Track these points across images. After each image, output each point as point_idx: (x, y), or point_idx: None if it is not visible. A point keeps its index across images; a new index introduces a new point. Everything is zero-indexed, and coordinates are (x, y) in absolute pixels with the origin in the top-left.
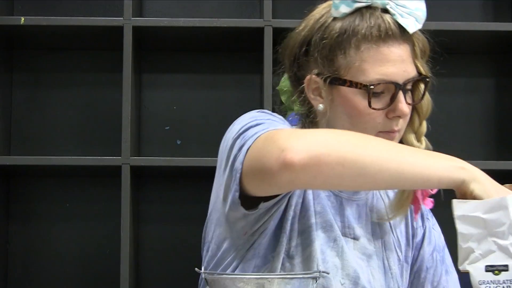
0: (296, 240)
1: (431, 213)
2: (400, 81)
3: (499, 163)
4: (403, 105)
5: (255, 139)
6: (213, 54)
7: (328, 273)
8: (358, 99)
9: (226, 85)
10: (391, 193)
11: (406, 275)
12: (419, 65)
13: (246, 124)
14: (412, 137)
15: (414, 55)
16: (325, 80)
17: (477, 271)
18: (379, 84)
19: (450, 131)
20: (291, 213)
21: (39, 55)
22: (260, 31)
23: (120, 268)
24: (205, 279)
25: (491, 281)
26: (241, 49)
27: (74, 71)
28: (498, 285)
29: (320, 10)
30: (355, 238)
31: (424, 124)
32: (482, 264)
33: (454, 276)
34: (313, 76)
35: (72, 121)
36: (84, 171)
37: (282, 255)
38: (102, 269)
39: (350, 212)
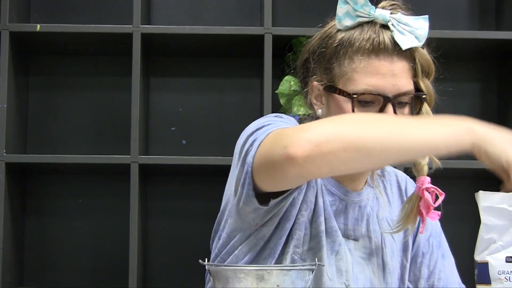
0: (308, 244)
1: None
2: (389, 94)
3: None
4: None
5: (266, 135)
6: (217, 60)
7: (323, 265)
8: (348, 107)
9: (229, 89)
10: (389, 191)
11: (406, 265)
12: (420, 82)
13: (260, 124)
14: None
15: (413, 72)
16: (324, 87)
17: (497, 262)
18: (363, 94)
19: None
20: (301, 218)
21: (53, 60)
22: (260, 38)
23: (129, 260)
24: (208, 270)
25: (511, 271)
26: (243, 55)
27: (86, 75)
28: None
29: (331, 23)
30: (356, 239)
31: None
32: (503, 255)
33: (451, 260)
34: (315, 82)
35: (84, 122)
36: (95, 169)
37: (289, 257)
38: (112, 261)
39: (353, 215)
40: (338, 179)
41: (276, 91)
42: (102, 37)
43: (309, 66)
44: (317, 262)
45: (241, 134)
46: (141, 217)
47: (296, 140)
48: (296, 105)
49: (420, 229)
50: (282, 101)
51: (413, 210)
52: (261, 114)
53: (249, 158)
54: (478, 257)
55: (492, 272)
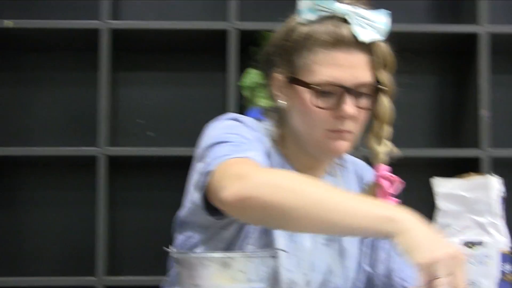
0: (262, 240)
1: None
2: (348, 85)
3: (440, 151)
4: (348, 106)
5: (217, 165)
6: (183, 54)
7: (285, 251)
8: (307, 98)
9: (194, 83)
10: (348, 179)
11: (364, 250)
12: (379, 74)
13: (216, 138)
14: (373, 142)
15: (373, 65)
16: (286, 79)
17: None
18: (323, 84)
19: (398, 123)
20: None
21: (22, 56)
22: (225, 33)
23: (96, 250)
24: (174, 257)
25: (466, 255)
26: (209, 49)
27: (54, 70)
28: (473, 258)
29: (294, 17)
30: None
31: (386, 128)
32: (458, 239)
33: None
34: (277, 74)
35: (53, 116)
36: (64, 161)
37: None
38: (80, 251)
39: None
40: (297, 168)
41: (239, 84)
42: (70, 33)
43: (272, 59)
44: (279, 249)
45: (203, 135)
46: (109, 207)
47: (229, 188)
48: (259, 97)
49: None
50: (245, 93)
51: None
52: (225, 107)
53: (203, 184)
54: None
55: None
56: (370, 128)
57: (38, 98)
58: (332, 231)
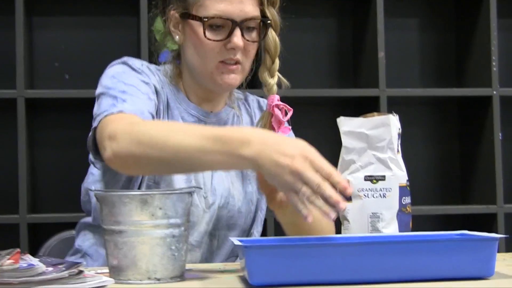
0: None
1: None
2: (237, 19)
3: (341, 91)
4: (237, 38)
5: (99, 121)
6: None
7: (201, 188)
8: (200, 31)
9: (108, 26)
10: (252, 113)
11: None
12: (266, 10)
13: (102, 88)
14: (265, 74)
15: (260, 1)
16: (180, 15)
17: (356, 180)
18: (213, 18)
19: (302, 65)
20: None
21: None
22: None
23: (18, 189)
24: (95, 196)
25: (369, 188)
26: None
27: None
28: (375, 192)
29: None
30: None
31: (277, 61)
32: (362, 174)
33: None
34: (172, 11)
35: None
36: None
37: (145, 185)
38: (3, 191)
39: None
40: (195, 101)
41: (151, 28)
42: None
43: None
44: (195, 186)
45: (101, 78)
46: (29, 148)
47: (107, 149)
48: (170, 41)
49: None
50: (157, 37)
51: (266, 126)
52: (138, 50)
53: (91, 137)
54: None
55: (353, 190)
56: (262, 62)
57: None
58: (196, 170)
